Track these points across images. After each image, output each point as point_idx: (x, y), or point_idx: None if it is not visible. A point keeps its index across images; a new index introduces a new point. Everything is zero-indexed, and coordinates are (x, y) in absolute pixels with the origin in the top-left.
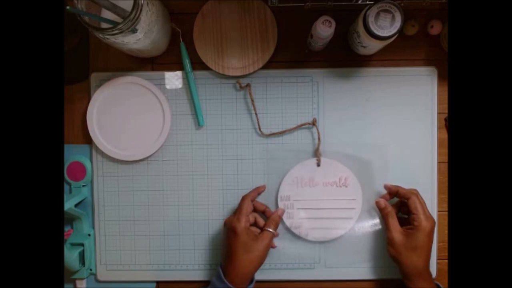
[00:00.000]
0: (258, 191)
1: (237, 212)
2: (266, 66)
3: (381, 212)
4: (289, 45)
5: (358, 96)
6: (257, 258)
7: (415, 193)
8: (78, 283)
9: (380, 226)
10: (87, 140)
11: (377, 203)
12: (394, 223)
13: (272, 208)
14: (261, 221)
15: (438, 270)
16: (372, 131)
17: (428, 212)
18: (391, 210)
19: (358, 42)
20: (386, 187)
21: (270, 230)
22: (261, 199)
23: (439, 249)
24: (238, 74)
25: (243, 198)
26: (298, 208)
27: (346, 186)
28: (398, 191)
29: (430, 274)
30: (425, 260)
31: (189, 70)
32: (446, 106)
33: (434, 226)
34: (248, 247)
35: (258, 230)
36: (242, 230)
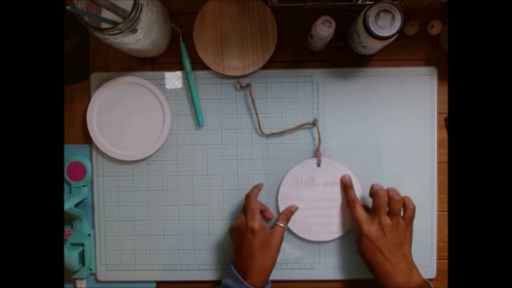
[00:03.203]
0: (259, 188)
1: (248, 212)
2: (266, 66)
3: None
4: (289, 45)
5: (358, 96)
6: (275, 254)
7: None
8: (78, 283)
9: None
10: (87, 140)
11: (342, 177)
12: (357, 211)
13: (272, 208)
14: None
15: (438, 270)
16: (372, 131)
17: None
18: (354, 198)
19: (358, 42)
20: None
21: (282, 225)
22: (261, 199)
23: (439, 249)
24: (238, 74)
25: (249, 197)
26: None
27: None
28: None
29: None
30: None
31: (189, 70)
32: (446, 106)
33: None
34: (266, 244)
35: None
36: (260, 228)
